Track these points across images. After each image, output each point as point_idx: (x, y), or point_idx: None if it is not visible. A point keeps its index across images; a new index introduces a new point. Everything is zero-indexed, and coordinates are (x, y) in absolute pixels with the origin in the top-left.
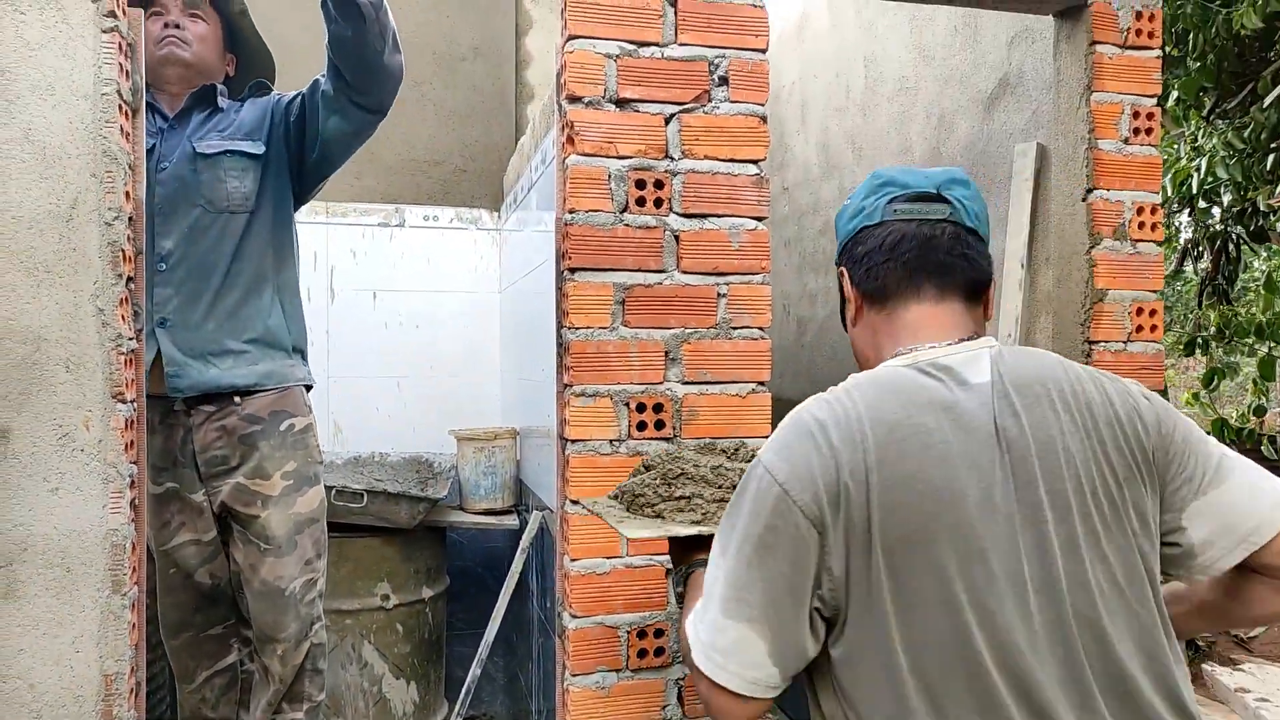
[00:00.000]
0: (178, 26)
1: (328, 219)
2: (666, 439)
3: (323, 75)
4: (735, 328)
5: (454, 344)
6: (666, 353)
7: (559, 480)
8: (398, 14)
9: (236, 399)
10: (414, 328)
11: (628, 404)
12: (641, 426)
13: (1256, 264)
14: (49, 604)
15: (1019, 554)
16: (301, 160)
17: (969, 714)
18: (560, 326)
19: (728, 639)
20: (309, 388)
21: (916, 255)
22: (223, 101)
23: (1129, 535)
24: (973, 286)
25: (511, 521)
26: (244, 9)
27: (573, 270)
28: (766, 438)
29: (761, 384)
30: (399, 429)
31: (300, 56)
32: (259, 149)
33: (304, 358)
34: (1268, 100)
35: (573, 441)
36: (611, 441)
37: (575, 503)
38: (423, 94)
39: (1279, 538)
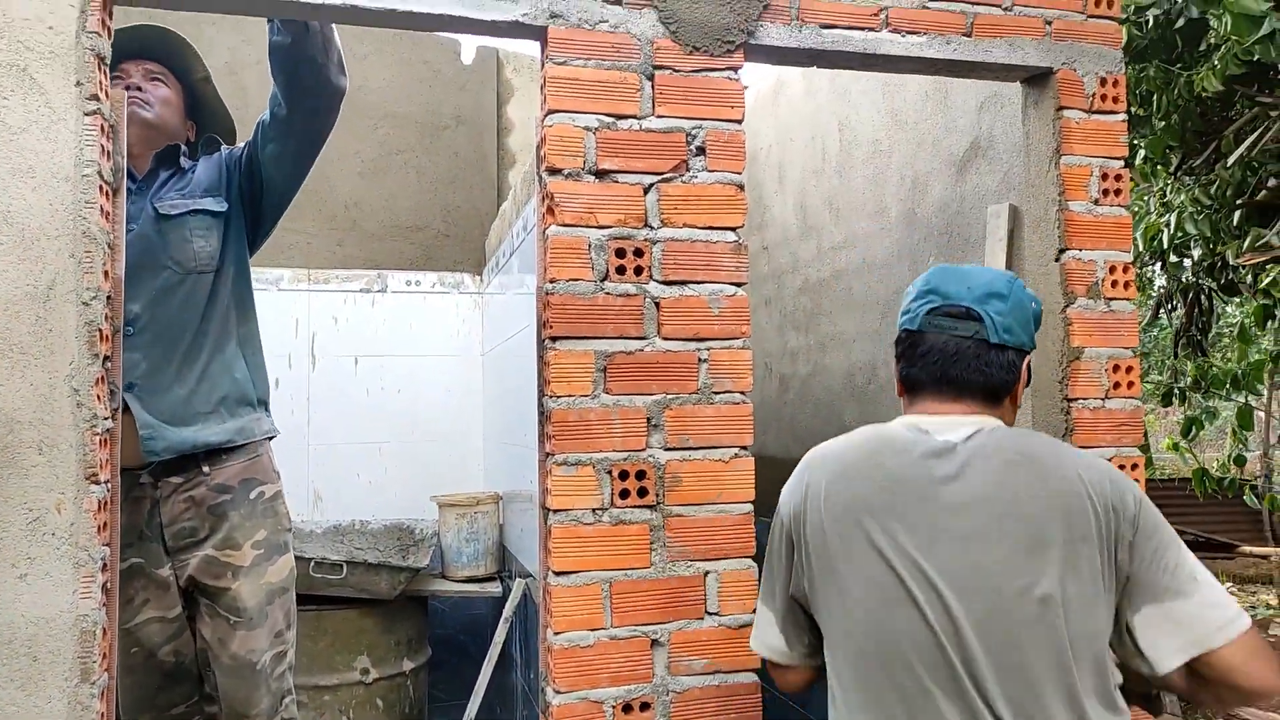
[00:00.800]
0: (139, 89)
1: (310, 286)
2: (650, 506)
3: (260, 121)
4: (717, 392)
5: (436, 409)
6: (649, 419)
7: (541, 551)
8: (382, 86)
9: (205, 468)
10: (396, 393)
11: (610, 472)
12: (624, 494)
13: (1231, 309)
14: (13, 695)
15: (950, 570)
16: (256, 206)
17: (886, 690)
18: (542, 395)
19: (758, 618)
20: (271, 438)
21: (939, 367)
22: (184, 162)
23: (1080, 582)
24: (991, 392)
25: (495, 589)
26: (206, 75)
27: (554, 339)
28: (750, 502)
29: (744, 449)
30: (380, 496)
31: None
32: (222, 206)
33: (267, 409)
34: (1231, 159)
35: (555, 512)
36: (594, 510)
37: (559, 574)
38: (405, 161)
39: (1218, 651)
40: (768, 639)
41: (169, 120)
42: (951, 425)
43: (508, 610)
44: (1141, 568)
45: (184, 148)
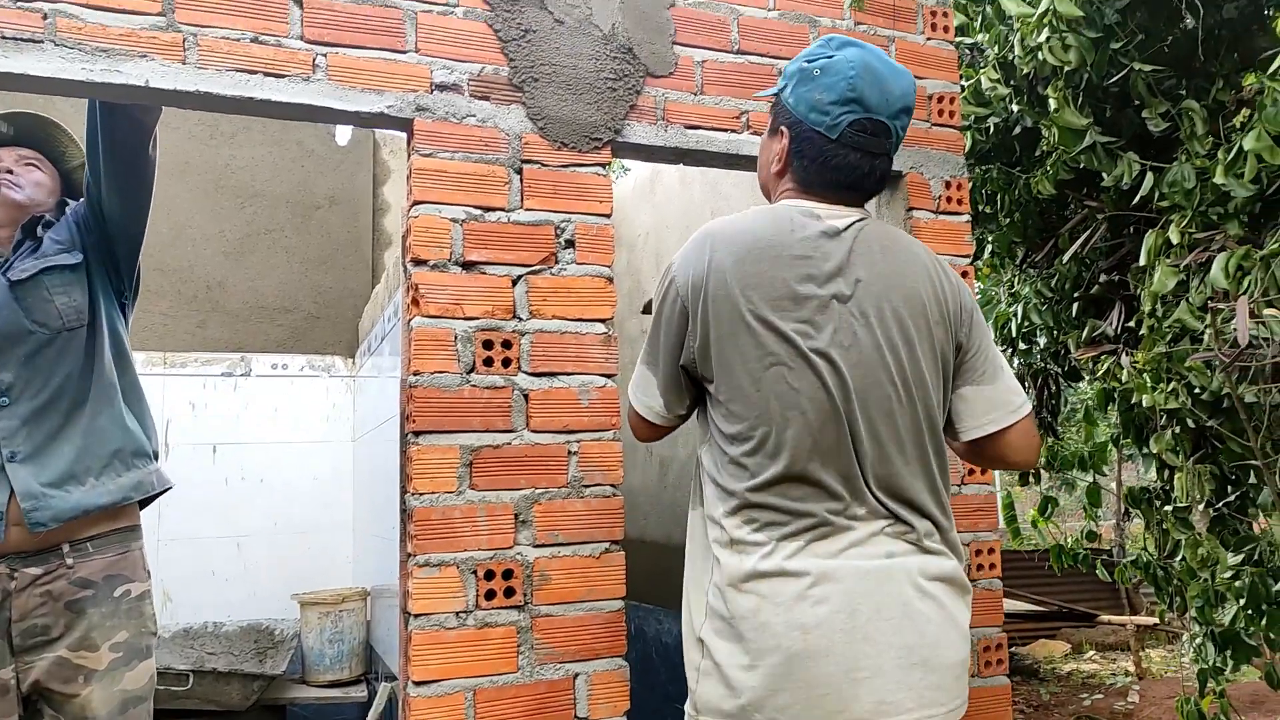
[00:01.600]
0: (10, 172)
1: (165, 370)
2: (517, 607)
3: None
4: (587, 486)
5: (302, 499)
6: (516, 515)
7: (401, 659)
8: (251, 165)
9: (69, 560)
10: (258, 483)
11: (475, 572)
12: (490, 595)
13: (1078, 391)
14: None
15: (837, 333)
16: (110, 250)
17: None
18: (404, 492)
19: (639, 378)
20: (167, 489)
21: (845, 178)
22: (40, 231)
23: (935, 363)
24: (871, 194)
25: (360, 693)
26: (82, 162)
27: (417, 433)
28: (622, 599)
29: (615, 543)
30: (239, 594)
31: None
32: (76, 258)
33: (157, 458)
34: (1067, 255)
35: (416, 616)
36: (458, 614)
37: (419, 684)
38: (274, 241)
39: (1008, 430)
40: (648, 400)
41: (41, 201)
42: (839, 214)
43: (372, 716)
44: (970, 354)
45: (49, 218)
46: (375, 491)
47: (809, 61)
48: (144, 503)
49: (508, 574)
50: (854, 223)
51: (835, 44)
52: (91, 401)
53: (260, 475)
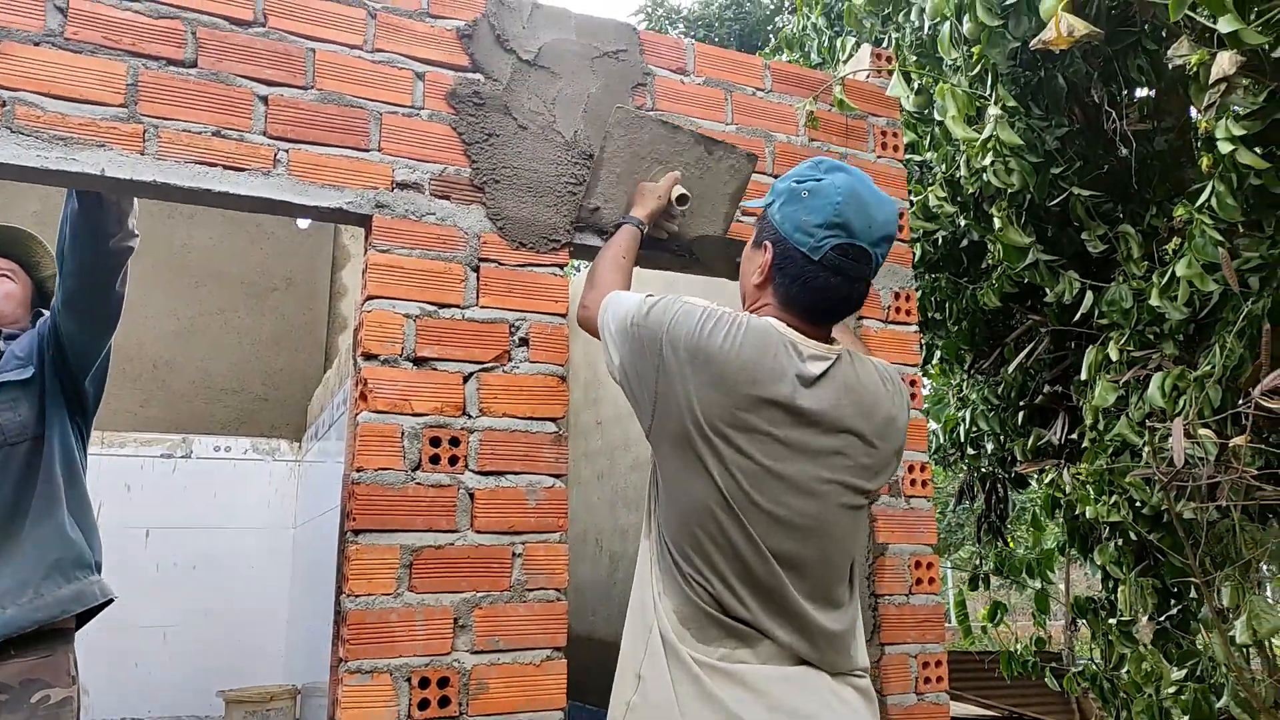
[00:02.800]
0: None
1: (101, 450)
2: (452, 718)
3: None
4: (530, 589)
5: (237, 587)
6: (456, 619)
7: None
8: (207, 246)
9: None
10: (190, 569)
11: (410, 679)
12: (424, 705)
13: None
14: None
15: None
16: (65, 367)
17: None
18: (339, 594)
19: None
20: (109, 601)
21: (828, 302)
22: (5, 345)
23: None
24: (847, 316)
25: None
26: (54, 273)
27: (357, 532)
28: (563, 709)
29: (558, 650)
30: (162, 687)
31: None
32: (26, 374)
33: (99, 570)
34: (1012, 366)
35: None
36: None
37: None
38: (226, 321)
39: None
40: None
41: (10, 312)
42: (820, 353)
43: None
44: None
45: (8, 331)
46: (313, 582)
47: (798, 182)
48: (86, 616)
49: (443, 682)
50: (831, 364)
51: (825, 167)
52: (32, 514)
53: (194, 562)
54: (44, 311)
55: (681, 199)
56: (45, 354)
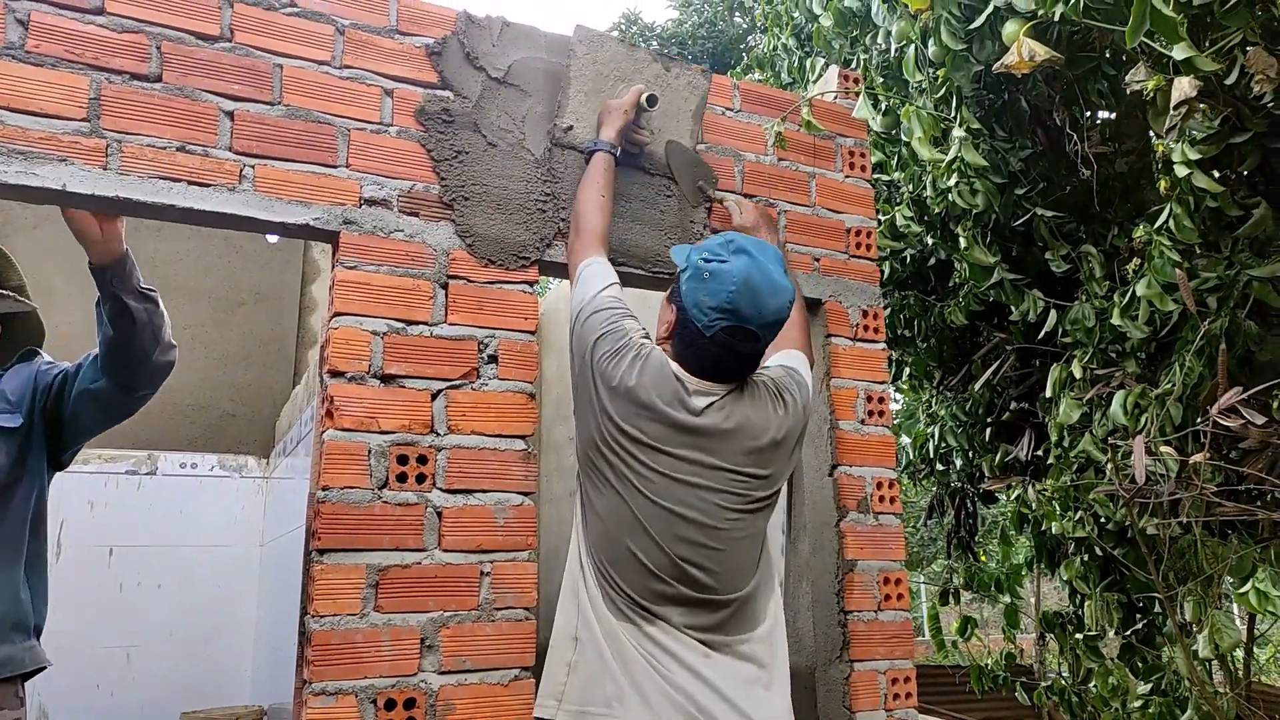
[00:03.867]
0: None
1: None
2: None
3: (92, 358)
4: (499, 609)
5: (203, 606)
6: (423, 639)
7: None
8: (174, 260)
9: None
10: (155, 588)
11: (375, 701)
12: None
13: (994, 510)
14: None
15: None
16: (58, 432)
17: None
18: (304, 614)
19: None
20: (41, 669)
21: (715, 367)
22: None
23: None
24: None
25: None
26: (21, 284)
27: (322, 551)
28: None
29: (526, 669)
30: (125, 709)
31: (62, 302)
32: (15, 422)
33: (38, 635)
34: (979, 383)
35: None
36: None
37: None
38: (193, 336)
39: None
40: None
41: None
42: (704, 390)
43: None
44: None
45: None
46: (281, 602)
47: (705, 260)
48: (10, 679)
49: (410, 703)
50: (714, 401)
51: (733, 248)
52: None
53: (159, 580)
54: (42, 353)
55: (651, 99)
56: (38, 405)
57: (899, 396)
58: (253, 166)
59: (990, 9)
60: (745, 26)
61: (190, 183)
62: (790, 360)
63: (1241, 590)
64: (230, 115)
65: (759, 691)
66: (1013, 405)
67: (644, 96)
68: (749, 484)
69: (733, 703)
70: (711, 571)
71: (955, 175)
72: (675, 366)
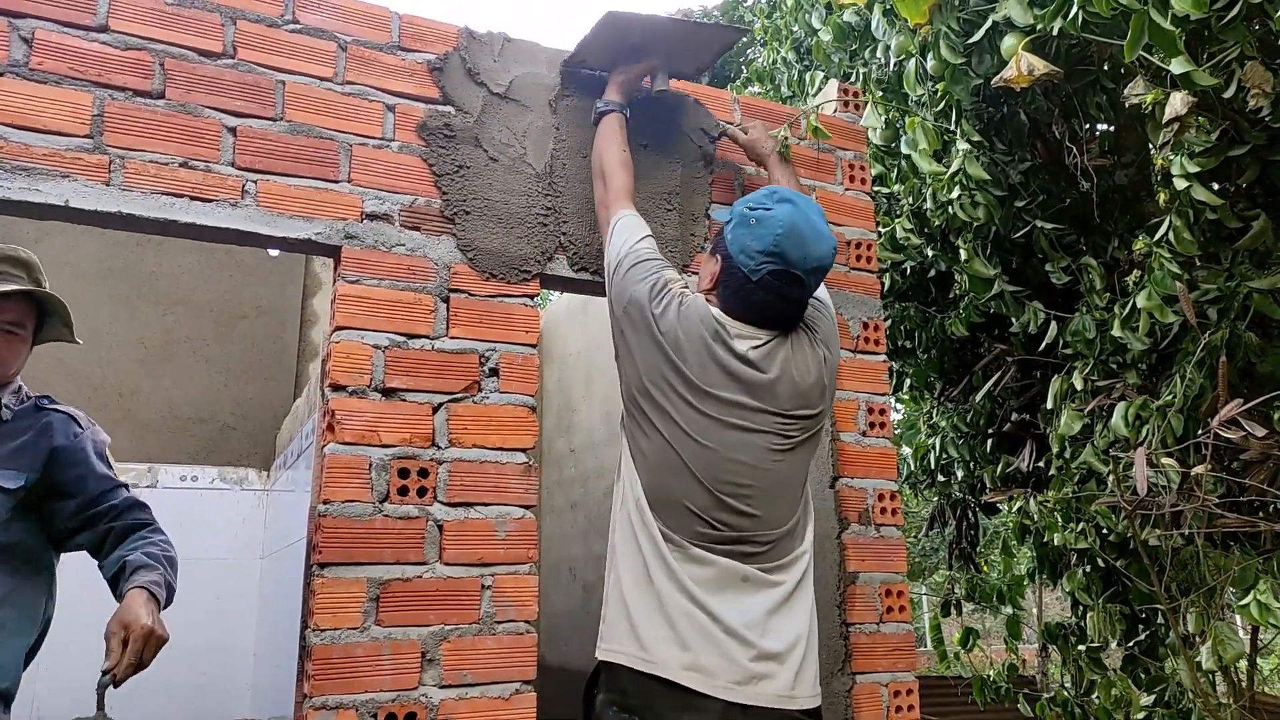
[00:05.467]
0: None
1: None
2: None
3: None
4: (500, 622)
5: (203, 620)
6: (424, 653)
7: None
8: (175, 273)
9: None
10: None
11: (376, 716)
12: None
13: (996, 521)
14: None
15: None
16: (49, 518)
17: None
18: (305, 628)
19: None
20: None
21: (762, 313)
22: (6, 413)
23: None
24: (785, 324)
25: None
26: (69, 322)
27: (323, 565)
28: None
29: (527, 683)
30: None
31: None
32: (15, 482)
33: (8, 706)
34: (980, 394)
35: None
36: None
37: None
38: (194, 350)
39: None
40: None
41: (8, 375)
42: (747, 334)
43: None
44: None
45: (8, 401)
46: (281, 614)
47: (750, 209)
48: None
49: (410, 717)
50: (758, 345)
51: (777, 197)
52: None
53: None
54: (66, 413)
55: (661, 92)
56: (45, 481)
57: (900, 407)
58: (255, 182)
59: (989, 24)
60: (745, 40)
61: (193, 198)
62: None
63: (1244, 602)
64: (233, 131)
65: (780, 619)
66: (1014, 416)
67: (656, 88)
68: (795, 424)
69: (760, 629)
70: (755, 516)
71: (957, 188)
72: (717, 312)
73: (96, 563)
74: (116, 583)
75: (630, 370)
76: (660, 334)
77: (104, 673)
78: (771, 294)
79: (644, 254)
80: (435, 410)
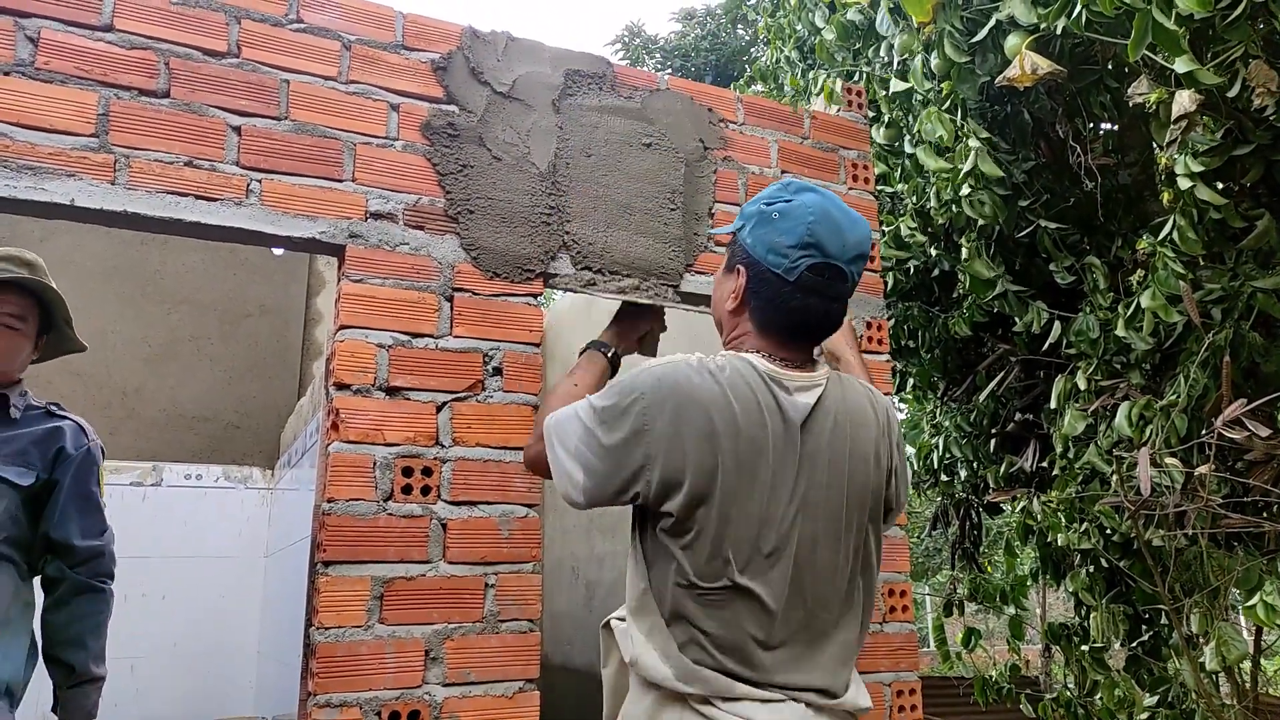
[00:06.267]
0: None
1: None
2: None
3: (57, 569)
4: (503, 621)
5: (207, 618)
6: (427, 651)
7: None
8: (180, 272)
9: None
10: (160, 599)
11: (379, 713)
12: None
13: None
14: None
15: (788, 521)
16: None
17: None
18: (309, 626)
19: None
20: None
21: (805, 323)
22: (14, 412)
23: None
24: (826, 336)
25: None
26: (68, 318)
27: (327, 563)
28: None
29: (530, 682)
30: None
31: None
32: (26, 479)
33: (13, 703)
34: (984, 394)
35: None
36: None
37: None
38: (198, 348)
39: None
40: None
41: (11, 371)
42: (805, 383)
43: None
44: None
45: (16, 400)
46: (284, 612)
47: (768, 204)
48: None
49: (414, 715)
50: (821, 394)
51: (794, 189)
52: None
53: (163, 592)
54: (77, 421)
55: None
56: (43, 486)
57: (903, 407)
58: (259, 181)
59: (992, 22)
60: (748, 39)
61: (198, 197)
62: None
63: (1250, 603)
64: (237, 130)
65: None
66: (1017, 416)
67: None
68: (860, 495)
69: None
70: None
71: (966, 186)
72: (759, 361)
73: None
74: (57, 665)
75: (670, 470)
76: (702, 410)
77: None
78: (815, 296)
79: (619, 380)
80: (439, 409)
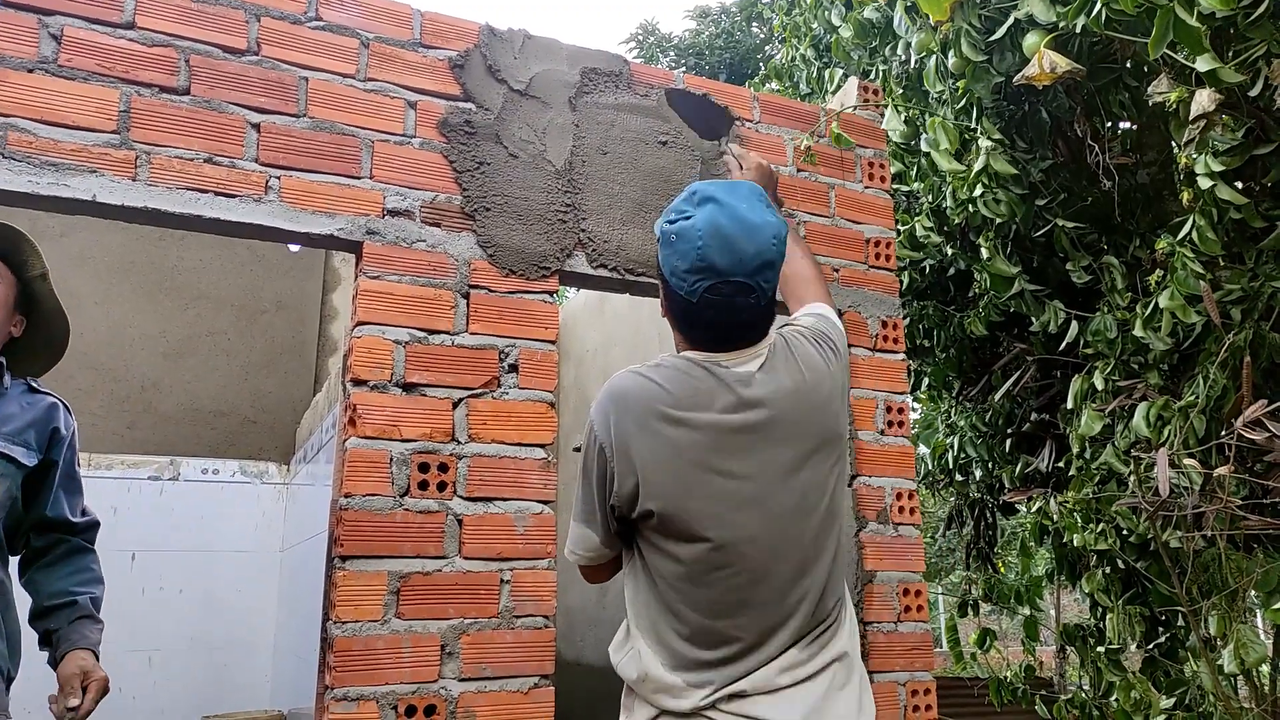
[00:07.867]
0: None
1: (88, 471)
2: None
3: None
4: (519, 616)
5: (223, 611)
6: (443, 646)
7: None
8: (197, 267)
9: None
10: (177, 593)
11: (396, 707)
12: None
13: (1014, 520)
14: None
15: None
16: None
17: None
18: (326, 620)
19: (576, 535)
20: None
21: (724, 331)
22: (6, 380)
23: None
24: (764, 330)
25: None
26: (44, 273)
27: (345, 558)
28: None
29: (545, 677)
30: (146, 714)
31: (88, 309)
32: (31, 460)
33: (8, 685)
34: (999, 394)
35: None
36: None
37: None
38: (215, 343)
39: None
40: (590, 546)
41: None
42: (744, 358)
43: None
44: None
45: (4, 362)
46: (300, 607)
47: (669, 223)
48: None
49: (430, 710)
50: (760, 365)
51: (697, 199)
52: None
53: (180, 586)
54: (57, 400)
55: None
56: (42, 453)
57: (918, 407)
58: (278, 178)
59: (1011, 21)
60: (763, 37)
61: (217, 194)
62: (816, 309)
63: (1276, 606)
64: (256, 127)
65: None
66: (1033, 416)
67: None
68: (816, 446)
69: None
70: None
71: (980, 186)
72: (694, 355)
73: (18, 558)
74: (56, 609)
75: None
76: (667, 418)
77: (69, 710)
78: (719, 312)
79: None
80: (455, 405)
